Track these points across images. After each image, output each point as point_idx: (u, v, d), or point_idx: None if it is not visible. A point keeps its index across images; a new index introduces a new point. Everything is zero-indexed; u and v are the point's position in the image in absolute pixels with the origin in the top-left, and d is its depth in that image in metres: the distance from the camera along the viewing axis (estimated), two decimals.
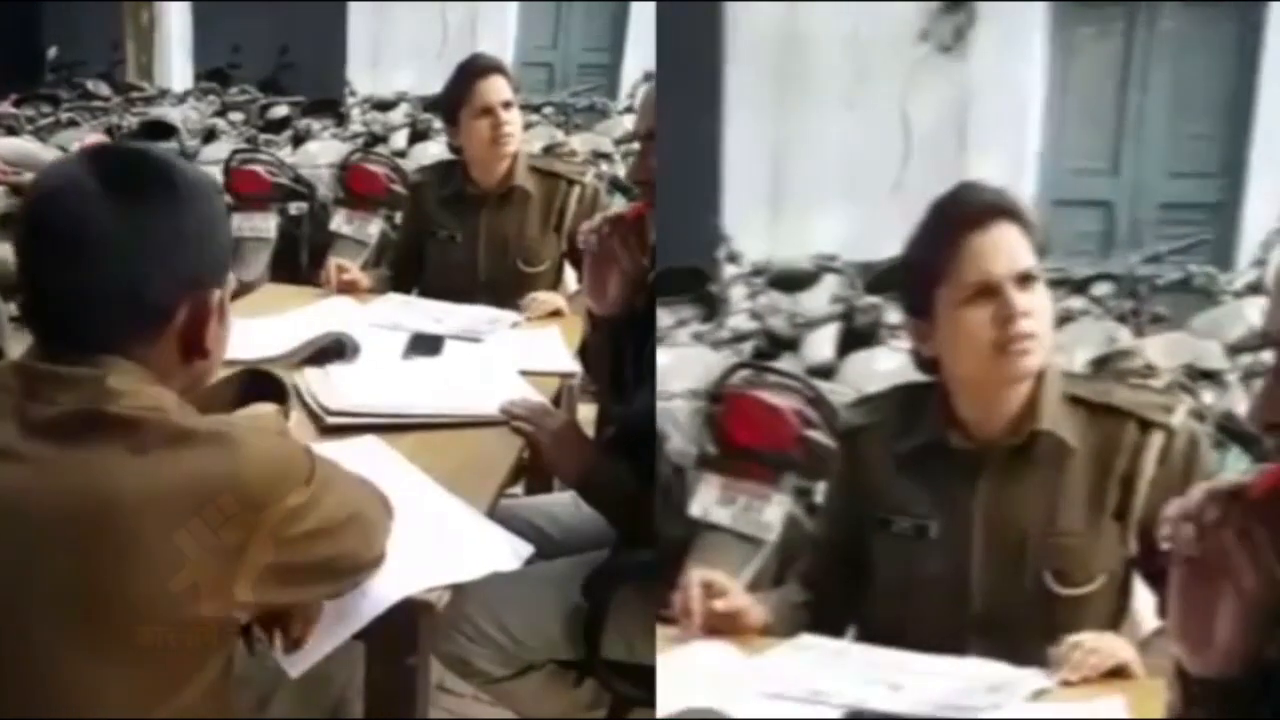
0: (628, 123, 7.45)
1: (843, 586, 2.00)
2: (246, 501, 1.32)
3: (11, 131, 6.75)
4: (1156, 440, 1.80)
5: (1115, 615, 1.86)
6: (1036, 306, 1.79)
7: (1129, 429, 1.81)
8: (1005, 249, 1.79)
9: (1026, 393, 1.83)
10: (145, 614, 1.28)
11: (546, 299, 3.24)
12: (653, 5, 7.66)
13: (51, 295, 1.36)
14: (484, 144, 3.36)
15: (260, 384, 1.95)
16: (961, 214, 1.81)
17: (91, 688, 1.29)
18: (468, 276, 3.41)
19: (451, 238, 3.45)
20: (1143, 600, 1.89)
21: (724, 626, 1.81)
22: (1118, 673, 1.65)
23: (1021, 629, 1.79)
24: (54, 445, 1.28)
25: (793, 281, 4.37)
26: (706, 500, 3.22)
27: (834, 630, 1.93)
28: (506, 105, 3.34)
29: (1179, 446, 1.80)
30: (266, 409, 1.89)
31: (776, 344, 4.05)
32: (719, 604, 1.81)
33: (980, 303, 1.78)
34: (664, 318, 4.01)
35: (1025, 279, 1.78)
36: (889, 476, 1.92)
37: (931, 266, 1.82)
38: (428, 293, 3.45)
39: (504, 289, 3.34)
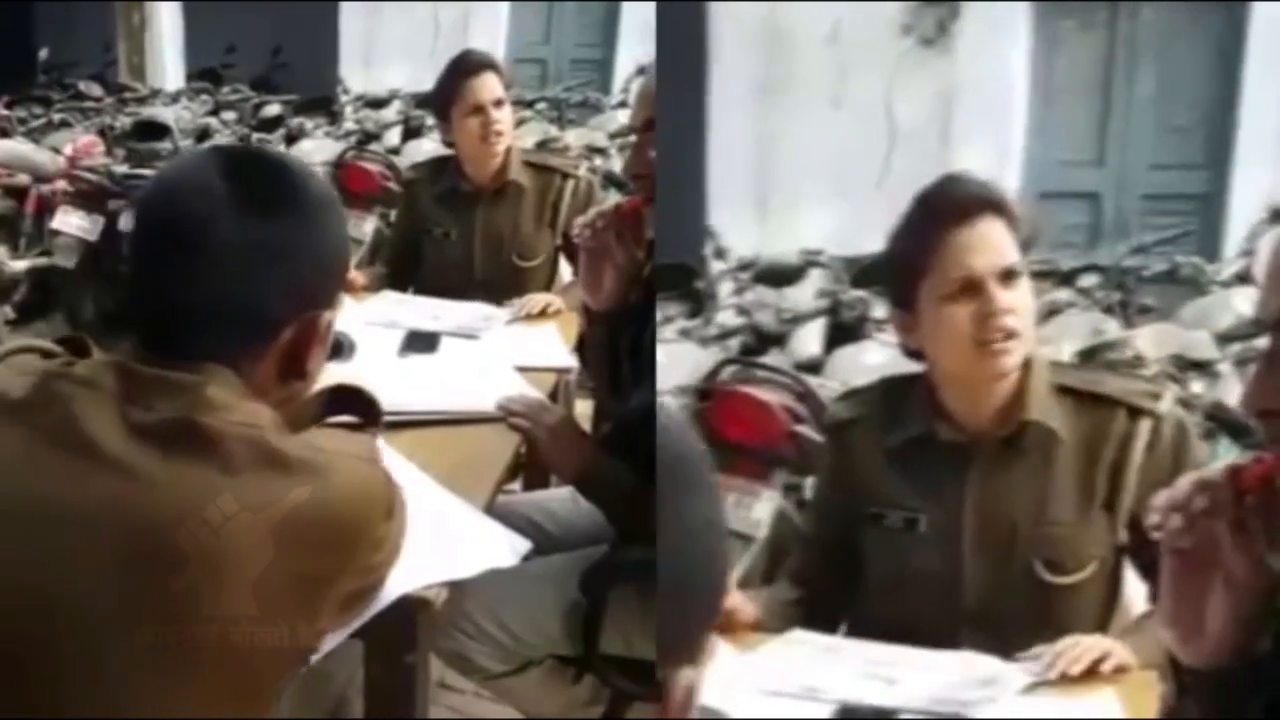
0: (621, 117, 7.44)
1: (834, 582, 2.01)
2: (335, 533, 1.30)
3: (3, 133, 6.76)
4: (1145, 428, 1.81)
5: (1106, 603, 1.88)
6: (1019, 303, 1.79)
7: (1118, 417, 1.82)
8: (989, 245, 1.78)
9: (1014, 384, 1.84)
10: (226, 639, 1.25)
11: (538, 299, 3.22)
12: (644, 1, 7.67)
13: (162, 296, 1.32)
14: (475, 141, 3.37)
15: (348, 398, 1.90)
16: (946, 208, 1.81)
17: (166, 711, 1.25)
18: (463, 273, 3.42)
19: (446, 234, 3.46)
20: (1134, 588, 1.91)
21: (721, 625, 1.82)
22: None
23: (1014, 619, 1.81)
24: (148, 455, 1.24)
25: (779, 276, 4.38)
26: None
27: (827, 626, 1.94)
28: (498, 103, 3.35)
29: (1167, 434, 1.81)
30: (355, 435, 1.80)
31: (764, 339, 4.06)
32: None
33: (962, 299, 1.78)
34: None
35: (1008, 275, 1.78)
36: (878, 470, 1.93)
37: (915, 260, 1.82)
38: (423, 289, 3.46)
39: (499, 285, 3.34)
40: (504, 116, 3.36)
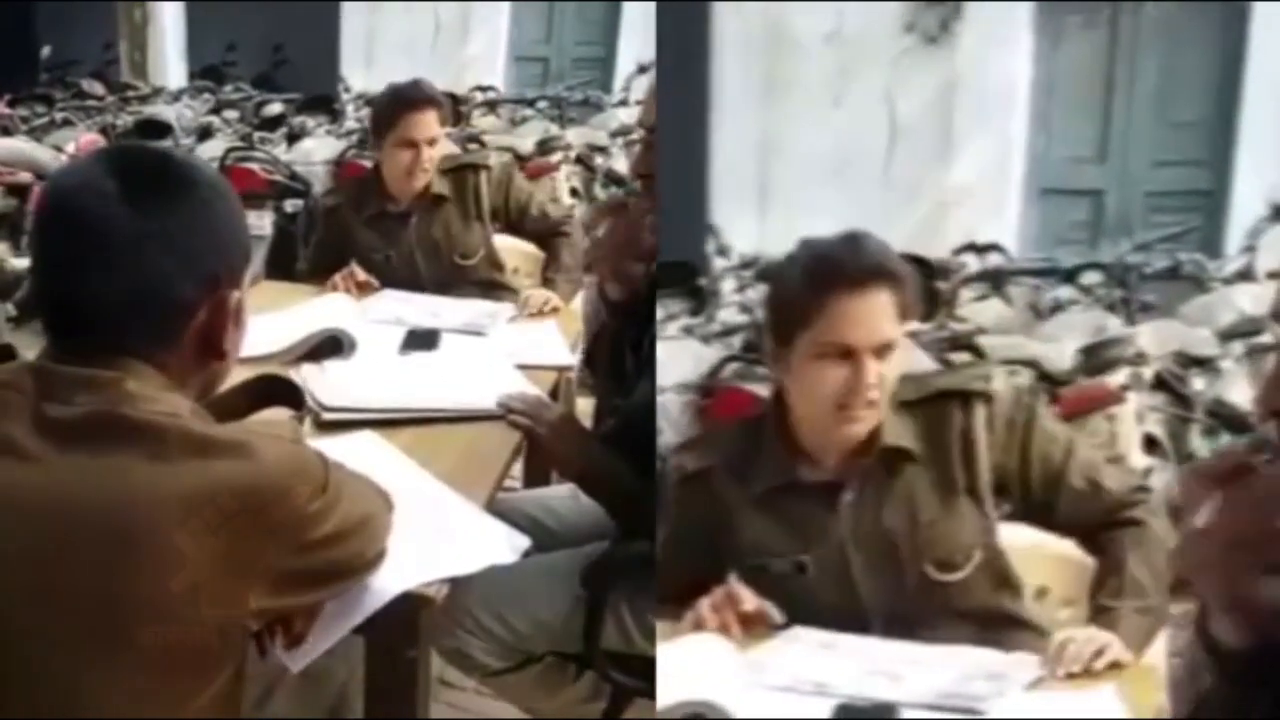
0: (622, 115, 7.44)
1: None
2: (263, 509, 1.32)
3: (6, 131, 6.74)
4: (980, 411, 1.85)
5: (998, 581, 1.88)
6: (886, 373, 1.80)
7: (953, 409, 1.86)
8: (873, 317, 1.78)
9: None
10: (159, 620, 1.27)
11: (540, 297, 3.24)
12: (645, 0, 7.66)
13: (68, 297, 1.35)
14: (400, 173, 3.40)
15: (274, 388, 1.94)
16: (841, 271, 1.79)
17: (103, 693, 1.28)
18: (412, 284, 3.40)
19: (387, 258, 3.44)
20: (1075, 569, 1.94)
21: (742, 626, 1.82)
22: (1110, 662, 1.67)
23: (917, 622, 1.82)
24: (71, 447, 1.27)
25: None
26: None
27: None
28: (431, 141, 3.36)
29: (1003, 410, 1.85)
30: (281, 415, 1.88)
31: None
32: (748, 605, 1.81)
33: (833, 361, 1.79)
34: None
35: (884, 348, 1.79)
36: (746, 520, 1.92)
37: (800, 311, 1.81)
38: None
39: (447, 284, 3.38)
40: (435, 154, 3.39)
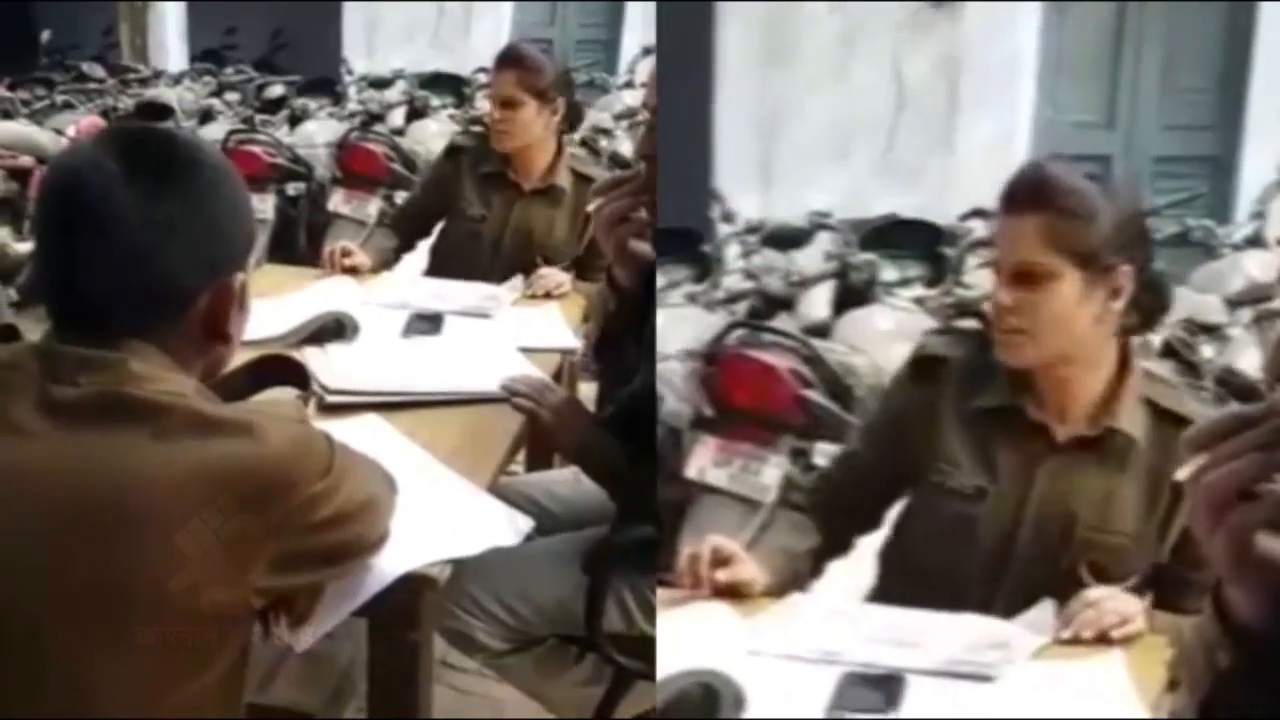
0: (627, 98, 7.42)
1: (849, 527, 2.01)
2: (268, 489, 1.32)
3: (6, 115, 6.72)
4: None
5: None
6: (1031, 302, 1.78)
7: None
8: (1016, 239, 1.79)
9: (1107, 387, 1.84)
10: (162, 599, 1.27)
11: (555, 276, 3.21)
12: None
13: (71, 280, 1.35)
14: (492, 132, 3.37)
15: (278, 368, 1.94)
16: (1005, 192, 1.82)
17: (106, 672, 1.28)
18: (485, 260, 3.38)
19: (482, 218, 3.41)
20: None
21: (727, 591, 1.79)
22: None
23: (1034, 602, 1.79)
24: (76, 426, 1.28)
25: (787, 239, 4.30)
26: (703, 462, 3.21)
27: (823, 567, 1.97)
28: (506, 103, 3.29)
29: None
30: (286, 395, 1.88)
31: (772, 303, 4.00)
32: (722, 575, 1.78)
33: (998, 282, 1.82)
34: (657, 278, 3.98)
35: (1023, 274, 1.78)
36: (955, 426, 1.91)
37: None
38: (439, 268, 3.44)
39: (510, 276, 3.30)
40: (513, 116, 3.29)
